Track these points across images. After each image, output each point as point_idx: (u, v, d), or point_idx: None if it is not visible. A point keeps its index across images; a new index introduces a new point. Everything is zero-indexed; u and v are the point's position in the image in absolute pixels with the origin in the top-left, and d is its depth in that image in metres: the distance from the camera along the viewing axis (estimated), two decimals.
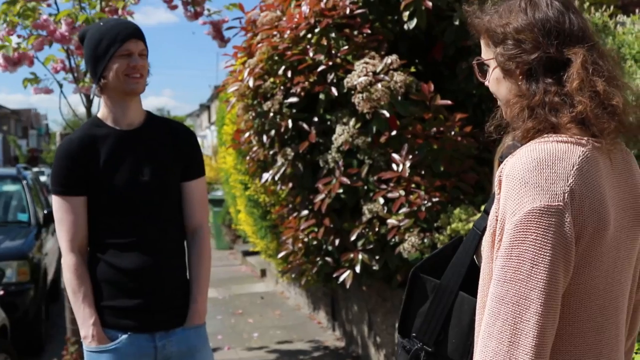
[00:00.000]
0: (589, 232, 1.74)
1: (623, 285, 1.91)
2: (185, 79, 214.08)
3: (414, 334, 2.15)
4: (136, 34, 3.26)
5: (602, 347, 1.82)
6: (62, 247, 3.24)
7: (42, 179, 13.13)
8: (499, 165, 3.80)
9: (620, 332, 1.91)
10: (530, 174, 1.72)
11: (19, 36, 6.34)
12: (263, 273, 12.40)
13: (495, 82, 1.97)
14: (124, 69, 3.20)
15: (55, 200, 3.25)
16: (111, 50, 3.19)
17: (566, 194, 1.70)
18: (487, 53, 1.99)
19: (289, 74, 5.91)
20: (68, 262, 3.20)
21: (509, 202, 1.73)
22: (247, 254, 13.68)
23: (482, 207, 4.84)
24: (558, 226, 1.69)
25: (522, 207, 1.70)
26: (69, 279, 3.20)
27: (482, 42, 2.01)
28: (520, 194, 1.71)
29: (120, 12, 6.37)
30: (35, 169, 16.39)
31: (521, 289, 1.69)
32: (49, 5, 6.43)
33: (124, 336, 3.22)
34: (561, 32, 1.85)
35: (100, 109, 3.41)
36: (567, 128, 1.80)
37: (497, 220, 1.79)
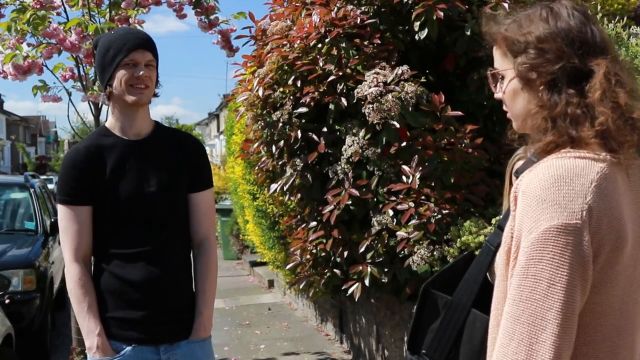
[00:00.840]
0: (606, 251, 1.69)
1: (639, 304, 1.86)
2: (195, 87, 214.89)
3: (424, 351, 2.11)
4: (144, 44, 3.22)
5: None
6: (65, 257, 3.20)
7: (50, 186, 13.11)
8: (511, 180, 3.75)
9: (636, 353, 1.86)
10: (547, 191, 1.68)
11: (28, 44, 6.32)
12: (271, 284, 12.36)
13: (512, 94, 1.92)
14: (127, 79, 3.16)
15: (61, 209, 3.22)
16: (117, 59, 3.16)
17: (584, 212, 1.66)
18: (503, 63, 1.94)
19: (299, 83, 5.87)
20: (72, 272, 3.16)
21: (525, 219, 1.69)
22: (254, 264, 13.64)
23: (493, 220, 4.80)
24: (576, 245, 1.65)
25: (539, 224, 1.66)
26: (72, 289, 3.16)
27: (497, 52, 1.97)
28: (537, 212, 1.67)
29: (131, 20, 6.36)
30: (43, 177, 16.38)
31: (537, 309, 1.64)
32: (58, 14, 6.42)
33: (129, 348, 3.18)
34: (584, 42, 1.82)
35: (108, 118, 3.39)
36: (586, 142, 1.76)
37: (512, 237, 1.75)
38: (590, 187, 1.69)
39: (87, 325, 3.14)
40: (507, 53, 1.91)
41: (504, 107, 2.00)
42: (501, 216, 3.81)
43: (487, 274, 2.01)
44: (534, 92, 1.86)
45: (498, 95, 2.00)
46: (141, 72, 3.16)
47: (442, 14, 5.47)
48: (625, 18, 6.54)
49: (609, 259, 1.70)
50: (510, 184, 3.74)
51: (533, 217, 1.67)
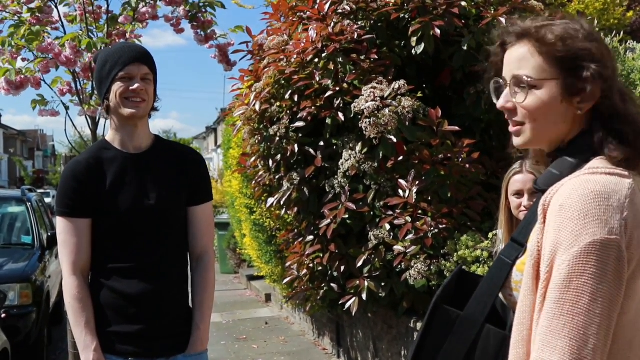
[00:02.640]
0: (633, 265, 1.70)
1: None
2: (193, 101, 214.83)
3: None
4: (140, 57, 3.22)
5: None
6: (64, 270, 3.19)
7: (47, 200, 13.08)
8: (507, 194, 3.74)
9: None
10: (589, 206, 1.67)
11: (23, 59, 6.34)
12: (268, 298, 12.33)
13: (545, 105, 1.85)
14: (122, 92, 3.17)
15: (60, 222, 3.21)
16: (113, 73, 3.17)
17: (622, 227, 1.67)
18: (543, 72, 1.86)
19: (296, 98, 5.89)
20: (70, 285, 3.15)
21: (564, 232, 1.67)
22: (252, 278, 13.62)
23: (490, 235, 4.80)
24: (617, 260, 1.65)
25: (581, 239, 1.65)
26: (70, 303, 3.15)
27: (537, 58, 1.87)
28: (578, 226, 1.66)
29: (127, 35, 6.38)
30: (41, 191, 16.37)
31: (580, 324, 1.63)
32: (56, 29, 6.44)
33: None
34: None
35: (108, 131, 3.39)
36: (614, 157, 1.79)
37: (539, 250, 1.74)
38: (626, 202, 1.70)
39: (83, 340, 3.12)
40: (554, 63, 1.85)
41: (507, 116, 1.94)
42: (498, 230, 3.82)
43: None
44: (573, 106, 1.85)
45: (507, 104, 1.91)
46: (136, 85, 3.16)
47: (438, 32, 5.49)
48: (621, 33, 6.57)
49: (634, 273, 1.71)
50: (506, 198, 3.75)
51: (574, 232, 1.66)
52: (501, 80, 1.95)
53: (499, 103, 1.93)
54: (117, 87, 3.17)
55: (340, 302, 5.82)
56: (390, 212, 5.44)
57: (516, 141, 1.94)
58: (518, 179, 3.69)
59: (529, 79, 1.86)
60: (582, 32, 1.87)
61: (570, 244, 1.66)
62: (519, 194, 3.65)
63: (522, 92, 1.87)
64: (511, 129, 1.94)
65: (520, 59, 1.89)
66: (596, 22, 6.96)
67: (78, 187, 3.18)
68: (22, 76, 6.12)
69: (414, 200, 5.32)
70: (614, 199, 1.69)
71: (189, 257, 3.43)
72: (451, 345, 2.02)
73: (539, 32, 1.87)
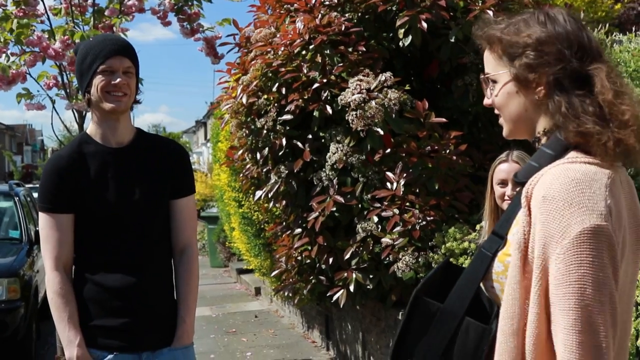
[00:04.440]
0: (618, 253, 1.71)
1: (630, 307, 1.89)
2: (182, 95, 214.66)
3: None
4: (121, 50, 3.18)
5: None
6: (46, 265, 3.16)
7: (35, 195, 13.02)
8: (492, 184, 3.74)
9: (627, 354, 1.87)
10: (572, 194, 1.67)
11: (12, 54, 6.30)
12: (257, 291, 12.33)
13: (506, 97, 1.92)
14: (104, 86, 3.13)
15: (42, 217, 3.19)
16: (94, 66, 3.13)
17: (608, 214, 1.68)
18: (496, 67, 1.95)
19: (283, 91, 5.87)
20: (52, 281, 3.13)
21: (552, 224, 1.67)
22: (241, 271, 13.61)
23: (478, 227, 4.80)
24: (609, 245, 1.66)
25: (571, 229, 1.65)
26: (53, 299, 3.13)
27: (491, 56, 1.96)
28: (565, 216, 1.66)
29: (115, 28, 6.35)
30: (29, 185, 16.29)
31: (591, 315, 1.63)
32: (42, 22, 6.41)
33: (110, 356, 3.15)
34: (581, 46, 1.84)
35: (89, 125, 3.35)
36: (600, 141, 1.77)
37: (526, 241, 1.74)
38: (606, 191, 1.71)
39: (67, 335, 3.10)
40: (502, 56, 1.92)
41: (496, 112, 2.00)
42: (483, 220, 3.82)
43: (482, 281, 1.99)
44: (530, 95, 1.87)
45: (487, 101, 1.99)
46: (118, 80, 3.13)
47: (425, 25, 5.49)
48: (607, 25, 6.58)
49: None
50: (492, 188, 3.75)
51: (562, 222, 1.66)
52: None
53: (484, 102, 2.03)
54: (98, 80, 3.13)
55: (328, 295, 5.81)
56: (378, 205, 5.44)
57: (504, 132, 2.01)
58: (503, 168, 3.69)
59: (489, 75, 1.96)
60: (526, 24, 1.90)
61: (560, 235, 1.66)
62: (504, 183, 3.65)
63: (489, 89, 1.98)
64: (500, 121, 2.01)
65: (485, 61, 2.00)
66: (583, 14, 6.96)
67: (60, 182, 3.15)
68: (14, 71, 6.10)
69: (401, 193, 5.32)
70: (595, 186, 1.70)
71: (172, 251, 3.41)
72: (431, 337, 2.01)
73: (488, 33, 1.96)
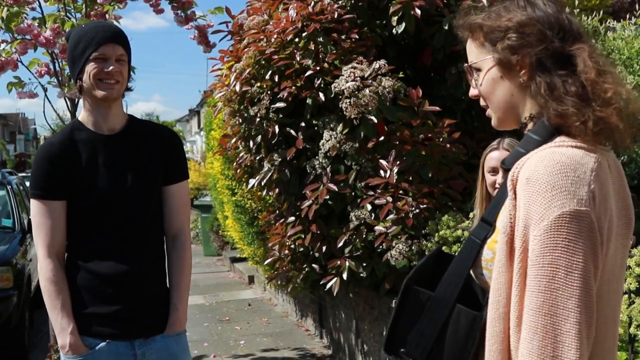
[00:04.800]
0: (603, 239, 1.70)
1: (619, 295, 1.89)
2: (175, 84, 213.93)
3: (402, 350, 2.04)
4: (114, 37, 3.17)
5: (603, 359, 1.79)
6: (38, 253, 3.16)
7: (28, 183, 12.98)
8: (484, 172, 3.73)
9: (616, 343, 1.88)
10: (555, 178, 1.67)
11: (2, 41, 6.26)
12: (251, 280, 12.34)
13: (491, 84, 1.92)
14: (96, 73, 3.12)
15: (34, 204, 3.18)
16: (87, 53, 3.12)
17: (590, 199, 1.67)
18: (479, 54, 1.95)
19: (276, 78, 5.85)
20: (45, 268, 3.12)
21: (533, 206, 1.67)
22: (235, 260, 13.62)
23: (471, 214, 4.80)
24: (588, 231, 1.65)
25: (550, 212, 1.64)
26: (45, 286, 3.12)
27: (473, 45, 1.96)
28: (546, 199, 1.65)
29: (107, 16, 6.31)
30: (22, 174, 16.25)
31: (557, 299, 1.63)
32: (33, 9, 6.36)
33: (103, 344, 3.15)
34: (562, 28, 1.85)
35: (81, 112, 3.34)
36: (577, 121, 1.77)
37: (512, 225, 1.73)
38: (592, 175, 1.70)
39: (59, 323, 3.10)
40: (484, 43, 1.92)
41: (482, 103, 1.99)
42: (475, 208, 3.82)
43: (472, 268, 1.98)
44: (515, 79, 1.87)
45: (473, 91, 1.99)
46: (111, 67, 3.12)
47: (419, 12, 5.47)
48: (601, 13, 6.56)
49: (604, 248, 1.71)
50: (483, 176, 3.75)
51: (543, 205, 1.65)
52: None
53: (470, 92, 2.03)
54: (90, 67, 3.12)
55: (321, 283, 5.81)
56: (371, 193, 5.43)
57: (493, 123, 2.00)
58: (494, 156, 3.69)
59: (472, 63, 1.96)
60: (506, 9, 1.91)
61: (540, 217, 1.65)
62: (494, 171, 3.66)
63: (474, 78, 1.98)
64: (486, 112, 2.01)
65: (467, 51, 2.00)
66: (577, 2, 6.95)
67: (52, 169, 3.14)
68: (3, 58, 6.06)
69: (394, 181, 5.31)
70: (580, 170, 1.69)
71: (165, 237, 3.41)
72: (423, 325, 2.00)
73: (469, 21, 1.97)
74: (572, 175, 1.67)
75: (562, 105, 1.77)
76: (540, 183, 1.67)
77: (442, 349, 1.95)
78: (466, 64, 1.99)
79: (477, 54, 1.95)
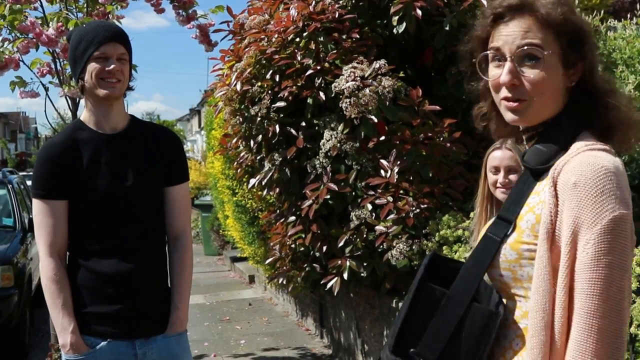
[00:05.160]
0: None
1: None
2: (176, 83, 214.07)
3: (413, 350, 1.99)
4: (115, 37, 3.18)
5: None
6: (40, 252, 3.17)
7: (30, 182, 12.97)
8: (486, 171, 3.72)
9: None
10: (603, 182, 1.70)
11: (4, 40, 6.26)
12: (251, 279, 12.34)
13: (546, 76, 1.85)
14: (98, 72, 3.13)
15: (36, 204, 3.19)
16: (88, 52, 3.13)
17: (630, 202, 1.73)
18: (547, 44, 1.86)
19: (277, 78, 5.86)
20: (46, 268, 3.13)
21: (584, 211, 1.69)
22: (235, 259, 13.62)
23: (471, 214, 4.79)
24: (631, 233, 1.71)
25: (602, 216, 1.67)
26: (47, 285, 3.13)
27: (542, 32, 1.85)
28: (597, 203, 1.68)
29: (110, 17, 6.32)
30: (23, 173, 16.27)
31: (613, 301, 1.66)
32: (35, 9, 6.36)
33: (104, 343, 3.15)
34: None
35: (83, 111, 3.35)
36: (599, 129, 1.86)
37: (553, 224, 1.75)
38: (626, 178, 1.75)
39: (60, 322, 3.11)
40: (557, 37, 1.86)
41: (505, 93, 1.89)
42: (476, 207, 3.81)
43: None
44: (565, 79, 1.89)
45: (507, 77, 1.87)
46: (112, 66, 3.14)
47: (420, 12, 5.47)
48: (602, 12, 6.57)
49: None
50: (485, 175, 3.75)
51: (594, 210, 1.68)
52: (490, 54, 1.94)
53: (504, 79, 1.88)
54: (92, 67, 3.13)
55: (322, 282, 5.81)
56: (371, 192, 5.43)
57: (514, 117, 1.91)
58: (496, 156, 3.69)
59: (544, 52, 1.85)
60: (571, 6, 1.90)
61: (592, 222, 1.68)
62: (497, 170, 3.66)
63: (532, 65, 1.85)
64: (509, 105, 1.90)
65: (524, 33, 1.86)
66: (577, 1, 6.95)
67: (54, 168, 3.15)
68: (6, 56, 6.06)
69: (395, 180, 5.31)
70: (619, 174, 1.73)
71: (166, 238, 3.42)
72: (438, 323, 1.97)
73: (537, 5, 1.87)
74: (615, 179, 1.71)
75: (609, 111, 1.84)
76: (590, 188, 1.69)
77: (456, 348, 1.93)
78: (526, 48, 1.85)
79: (544, 44, 1.85)
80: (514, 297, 1.91)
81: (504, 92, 1.89)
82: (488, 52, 1.94)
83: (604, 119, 1.87)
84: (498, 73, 1.90)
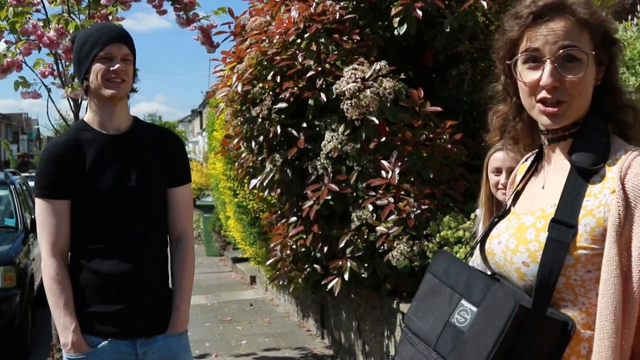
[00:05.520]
0: None
1: None
2: (178, 84, 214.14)
3: None
4: (120, 37, 3.21)
5: None
6: (42, 251, 3.18)
7: (32, 183, 13.00)
8: (487, 173, 3.73)
9: None
10: None
11: (6, 42, 6.28)
12: (253, 280, 12.35)
13: (587, 77, 1.85)
14: (103, 73, 3.16)
15: (39, 203, 3.20)
16: (93, 53, 3.16)
17: None
18: (587, 45, 1.85)
19: (278, 79, 5.87)
20: (49, 267, 3.15)
21: None
22: (237, 260, 13.63)
23: (472, 215, 4.80)
24: None
25: None
26: (49, 284, 3.15)
27: (580, 34, 1.85)
28: None
29: (110, 18, 6.34)
30: (25, 174, 16.28)
31: None
32: (37, 11, 6.38)
33: (105, 342, 3.17)
34: None
35: (87, 112, 3.37)
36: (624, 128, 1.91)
37: (621, 224, 1.74)
38: None
39: (62, 321, 3.12)
40: (594, 38, 1.86)
41: (545, 95, 1.85)
42: (478, 209, 3.81)
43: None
44: (594, 79, 1.89)
45: (548, 80, 1.83)
46: (117, 66, 3.16)
47: (420, 13, 5.49)
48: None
49: None
50: (487, 176, 3.76)
51: None
52: (523, 56, 1.90)
53: (547, 81, 1.83)
54: (97, 67, 3.16)
55: (323, 283, 5.82)
56: (372, 193, 5.45)
57: (554, 121, 1.87)
58: (498, 157, 3.69)
59: (585, 53, 1.83)
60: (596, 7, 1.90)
61: None
62: (498, 171, 3.66)
63: (573, 67, 1.83)
64: (548, 109, 1.86)
65: (565, 33, 1.84)
66: None
67: (56, 168, 3.17)
68: (10, 59, 6.08)
69: (396, 181, 5.33)
70: None
71: (168, 239, 3.43)
72: (538, 345, 1.78)
73: (575, 5, 1.85)
74: None
75: (629, 109, 1.90)
76: None
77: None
78: (569, 50, 1.83)
79: (585, 45, 1.84)
80: (560, 301, 1.83)
81: (543, 94, 1.85)
82: (522, 54, 1.90)
83: (626, 117, 1.89)
84: (535, 75, 1.86)
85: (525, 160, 2.21)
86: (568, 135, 1.91)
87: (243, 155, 6.58)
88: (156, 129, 3.54)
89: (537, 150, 2.11)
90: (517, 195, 2.15)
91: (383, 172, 5.42)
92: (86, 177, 3.18)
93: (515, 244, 1.90)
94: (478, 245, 2.12)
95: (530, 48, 1.86)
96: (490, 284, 1.85)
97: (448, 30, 5.64)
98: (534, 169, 2.11)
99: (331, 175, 5.63)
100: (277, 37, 5.89)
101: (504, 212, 2.13)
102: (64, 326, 3.11)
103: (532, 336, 1.76)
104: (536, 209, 1.95)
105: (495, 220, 2.11)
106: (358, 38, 5.77)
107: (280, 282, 6.60)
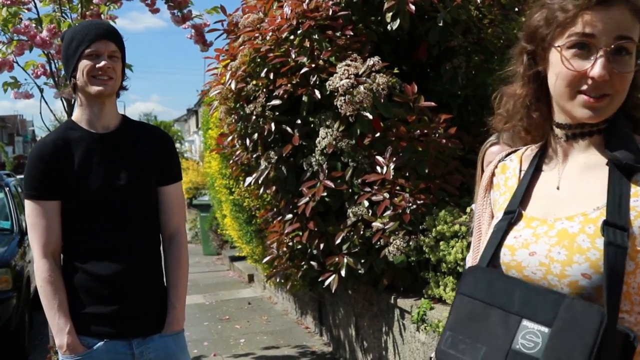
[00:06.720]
0: None
1: None
2: (173, 83, 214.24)
3: None
4: (106, 34, 3.18)
5: None
6: (34, 253, 3.16)
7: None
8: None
9: None
10: None
11: None
12: (250, 278, 12.33)
13: (633, 70, 1.73)
14: (89, 70, 3.13)
15: (28, 205, 3.17)
16: (79, 50, 3.13)
17: None
18: (636, 36, 1.72)
19: (272, 76, 5.86)
20: (41, 268, 3.12)
21: None
22: (234, 259, 13.62)
23: (468, 209, 4.78)
24: None
25: None
26: (42, 286, 3.12)
27: (633, 25, 1.71)
28: None
29: (103, 16, 6.31)
30: (20, 176, 16.25)
31: None
32: (29, 10, 6.35)
33: (100, 343, 3.15)
34: None
35: (75, 110, 3.34)
36: None
37: None
38: None
39: (57, 323, 3.10)
40: (638, 23, 1.71)
41: (598, 89, 1.70)
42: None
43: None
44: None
45: (602, 72, 1.67)
46: (103, 63, 3.13)
47: (413, 8, 5.48)
48: None
49: None
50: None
51: None
52: (571, 40, 1.72)
53: (600, 72, 1.67)
54: (83, 64, 3.13)
55: (320, 280, 5.81)
56: (368, 189, 5.44)
57: (591, 114, 1.73)
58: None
59: (638, 45, 1.71)
60: None
61: None
62: None
63: (624, 60, 1.70)
64: (590, 101, 1.71)
65: (624, 23, 1.69)
66: None
67: (45, 169, 3.14)
68: (0, 59, 6.06)
69: (391, 177, 5.32)
70: None
71: (161, 238, 3.41)
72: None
73: None
74: None
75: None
76: None
77: None
78: (629, 39, 1.69)
79: (636, 35, 1.71)
80: None
81: (590, 86, 1.70)
82: (571, 37, 1.72)
83: (638, 114, 1.80)
84: (583, 63, 1.70)
85: (503, 159, 2.05)
86: (596, 131, 1.78)
87: (238, 153, 6.57)
88: (145, 127, 3.50)
89: (527, 147, 1.99)
90: (519, 197, 1.94)
91: (378, 168, 5.41)
92: (75, 176, 3.15)
93: (566, 254, 1.69)
94: (489, 257, 1.86)
95: (584, 33, 1.69)
96: (559, 297, 1.64)
97: (441, 24, 5.63)
98: (533, 169, 1.94)
99: (326, 171, 5.61)
100: (270, 34, 5.87)
101: (513, 217, 1.88)
102: (58, 328, 3.09)
103: (608, 352, 1.58)
104: (572, 213, 1.76)
105: (506, 227, 1.88)
106: (351, 34, 5.76)
107: (278, 280, 6.59)
